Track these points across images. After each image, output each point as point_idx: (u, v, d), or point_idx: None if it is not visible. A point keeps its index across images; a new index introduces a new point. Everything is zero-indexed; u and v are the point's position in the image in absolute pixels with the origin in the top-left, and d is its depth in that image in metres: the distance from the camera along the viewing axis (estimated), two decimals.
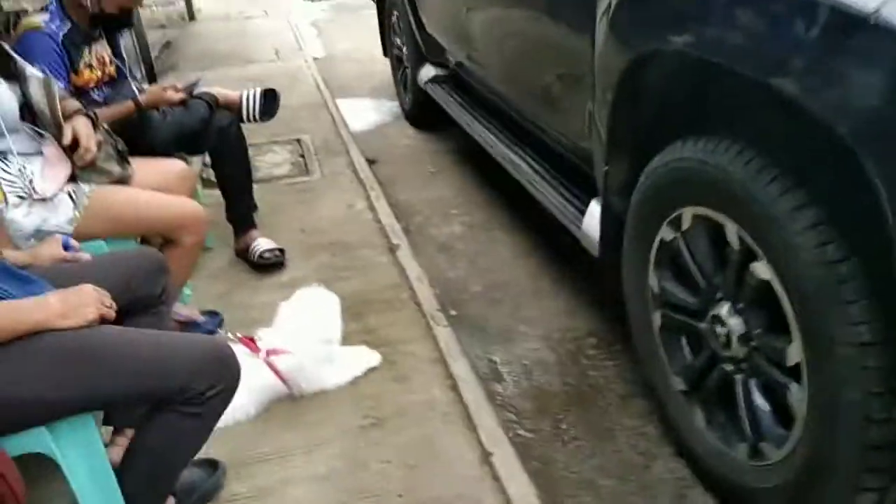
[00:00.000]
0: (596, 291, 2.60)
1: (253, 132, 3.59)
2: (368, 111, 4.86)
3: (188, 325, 2.32)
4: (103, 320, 1.37)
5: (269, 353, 1.99)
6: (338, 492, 1.73)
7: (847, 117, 1.16)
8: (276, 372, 1.99)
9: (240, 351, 1.96)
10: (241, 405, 1.96)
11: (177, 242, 2.04)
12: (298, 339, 2.03)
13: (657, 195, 1.72)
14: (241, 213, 2.83)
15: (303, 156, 3.95)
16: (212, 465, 1.76)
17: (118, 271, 1.58)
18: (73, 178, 1.94)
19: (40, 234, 1.86)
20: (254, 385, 1.97)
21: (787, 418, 1.48)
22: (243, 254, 2.82)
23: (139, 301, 1.60)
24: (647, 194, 1.76)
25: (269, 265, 2.75)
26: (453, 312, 2.58)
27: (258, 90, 2.80)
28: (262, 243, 2.78)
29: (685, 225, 1.65)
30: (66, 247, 1.59)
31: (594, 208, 2.11)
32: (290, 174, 3.70)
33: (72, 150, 1.92)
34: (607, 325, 2.43)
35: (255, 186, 3.39)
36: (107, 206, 1.92)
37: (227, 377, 1.40)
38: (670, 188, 1.66)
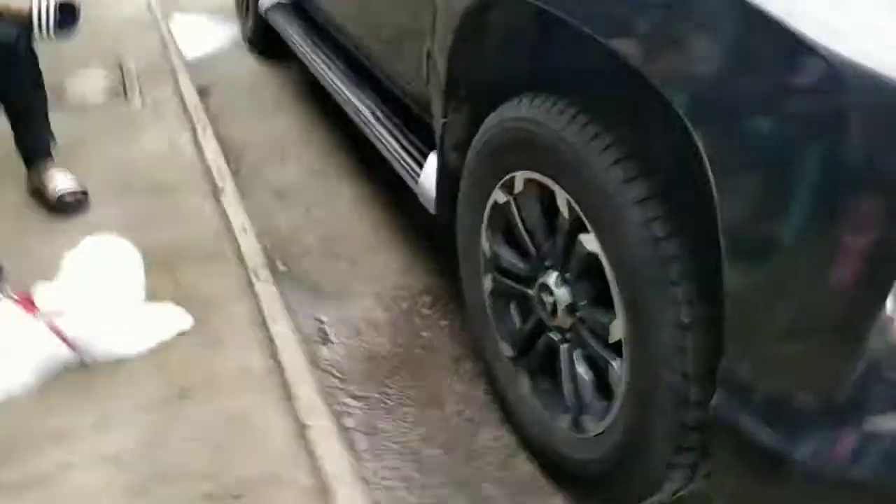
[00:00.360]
0: (433, 247, 2.50)
1: (64, 51, 3.14)
2: (204, 34, 4.41)
3: None
4: None
5: (51, 314, 1.71)
6: (131, 476, 1.54)
7: (682, 89, 1.08)
8: (62, 337, 1.73)
9: (14, 313, 1.68)
10: (17, 377, 1.70)
11: None
12: (89, 297, 1.76)
13: (491, 155, 1.61)
14: (33, 145, 2.44)
15: (123, 82, 3.51)
16: None
17: None
18: None
19: None
20: (33, 352, 1.70)
21: (609, 393, 1.45)
22: (38, 194, 2.45)
23: None
24: (481, 153, 1.64)
25: (67, 208, 2.40)
26: (283, 268, 2.39)
27: (54, 1, 2.38)
28: (61, 183, 2.42)
29: (517, 188, 1.55)
30: None
31: (432, 162, 1.98)
32: (106, 102, 3.27)
33: None
34: (443, 283, 2.33)
35: (60, 115, 2.99)
36: None
37: None
38: (504, 149, 1.55)
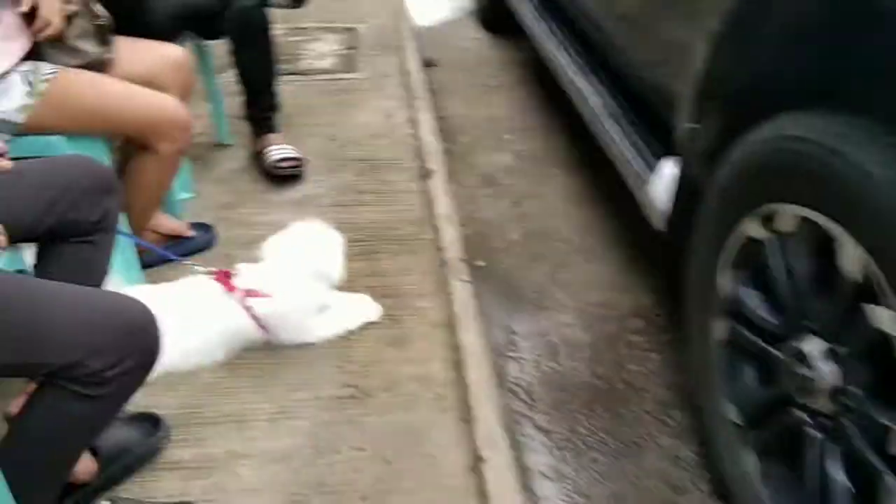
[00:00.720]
0: (653, 264, 2.18)
1: (302, 16, 3.20)
2: (438, 3, 4.34)
3: (174, 240, 2.03)
4: None
5: (246, 293, 1.67)
6: (293, 479, 1.45)
7: None
8: (253, 316, 1.68)
9: (212, 287, 1.66)
10: (207, 347, 1.68)
11: (151, 149, 1.71)
12: (285, 281, 1.70)
13: (752, 177, 1.27)
14: (259, 113, 2.47)
15: (353, 48, 3.52)
16: (152, 421, 1.49)
17: (43, 186, 1.26)
18: (33, 56, 1.60)
19: None
20: (226, 326, 1.68)
21: None
22: (258, 158, 2.48)
23: (69, 226, 1.29)
24: (738, 172, 1.31)
25: (283, 177, 2.41)
26: (481, 263, 2.21)
27: None
28: (279, 150, 2.43)
29: (783, 226, 1.21)
30: None
31: (666, 169, 1.67)
32: (333, 69, 3.29)
33: (32, 19, 1.57)
34: (659, 307, 2.02)
35: (290, 80, 3.05)
36: (68, 94, 1.59)
37: (137, 352, 1.08)
38: (771, 173, 1.21)
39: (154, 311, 1.61)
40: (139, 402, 1.57)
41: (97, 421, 1.12)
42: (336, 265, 1.77)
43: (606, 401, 1.75)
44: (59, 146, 1.60)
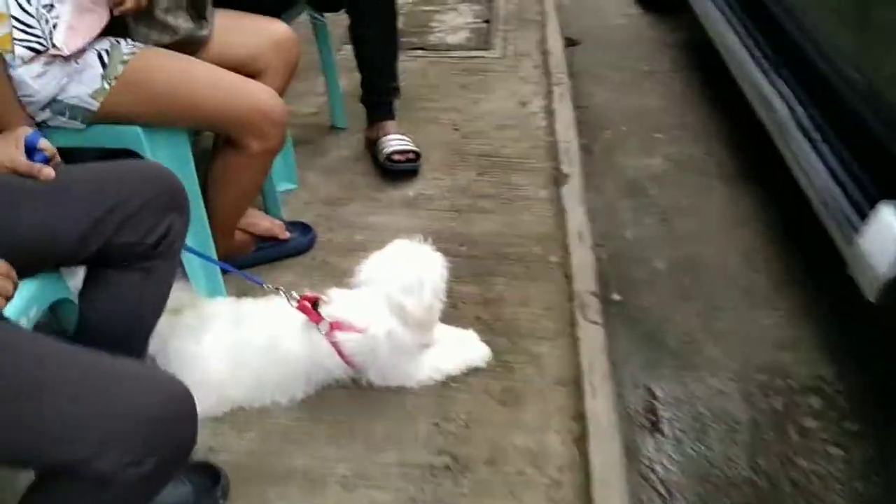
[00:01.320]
0: (844, 314, 1.73)
1: None
2: None
3: (268, 242, 1.80)
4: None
5: (333, 326, 1.40)
6: None
7: None
8: (340, 353, 1.42)
9: (297, 318, 1.41)
10: (287, 382, 1.44)
11: (239, 147, 1.46)
12: (379, 314, 1.42)
13: None
14: (376, 97, 2.19)
15: (488, 21, 3.17)
16: (210, 474, 1.27)
17: (92, 200, 1.03)
18: (114, 32, 1.38)
19: (59, 107, 1.35)
20: (310, 360, 1.43)
21: None
22: (371, 146, 2.22)
23: (119, 249, 1.06)
24: None
25: (397, 171, 2.13)
26: (617, 297, 1.84)
27: None
28: (394, 141, 2.14)
29: None
30: (32, 148, 1.05)
31: (888, 217, 1.24)
32: (466, 45, 2.96)
33: None
34: (847, 380, 1.59)
35: (418, 54, 2.76)
36: (148, 78, 1.36)
37: (162, 450, 0.83)
38: None
39: (231, 335, 1.39)
40: (203, 441, 1.37)
41: None
42: (437, 297, 1.46)
43: None
44: (135, 137, 1.38)
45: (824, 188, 1.45)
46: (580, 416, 1.42)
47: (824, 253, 1.52)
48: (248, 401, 1.45)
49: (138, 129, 1.38)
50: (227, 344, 1.42)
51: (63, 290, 1.09)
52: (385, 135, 2.16)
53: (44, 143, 1.07)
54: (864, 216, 1.32)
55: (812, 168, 1.52)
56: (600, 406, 1.44)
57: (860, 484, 1.39)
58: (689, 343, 1.71)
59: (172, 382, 0.88)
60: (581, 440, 1.37)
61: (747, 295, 1.84)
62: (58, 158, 1.09)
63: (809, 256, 1.91)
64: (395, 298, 1.38)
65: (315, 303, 1.42)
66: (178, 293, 1.43)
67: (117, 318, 1.09)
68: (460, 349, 1.54)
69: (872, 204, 1.30)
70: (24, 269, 0.94)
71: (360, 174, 2.17)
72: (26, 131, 1.07)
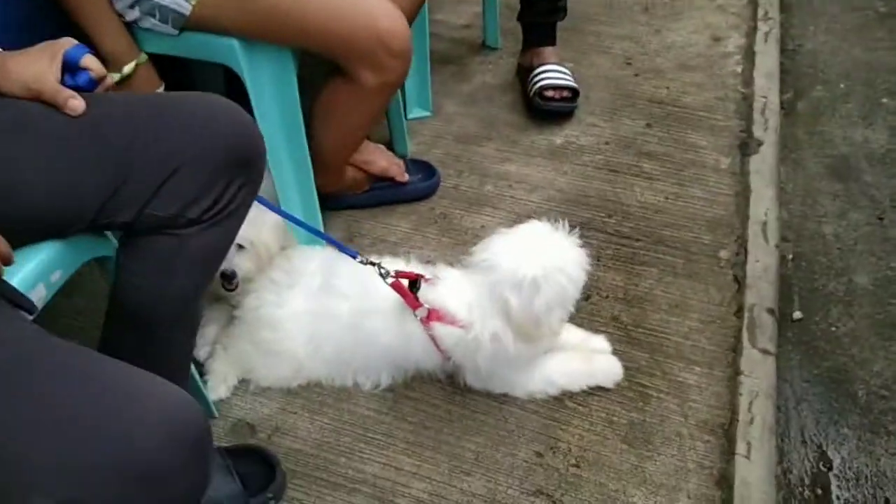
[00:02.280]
0: None
1: None
2: None
3: (384, 182, 1.55)
4: None
5: (431, 314, 1.14)
6: None
7: None
8: (437, 344, 1.16)
9: (393, 299, 1.16)
10: (371, 365, 1.22)
11: (350, 77, 1.18)
12: (489, 307, 1.13)
13: None
14: (536, 16, 1.82)
15: None
16: (265, 467, 1.08)
17: (121, 151, 0.80)
18: None
19: (148, 6, 1.12)
20: (398, 347, 1.19)
21: None
22: (523, 75, 1.87)
23: (158, 220, 0.83)
24: None
25: (547, 111, 1.78)
26: (798, 315, 1.45)
27: None
28: (550, 73, 1.79)
29: None
30: (74, 66, 0.82)
31: None
32: None
33: None
34: None
35: None
36: None
37: (175, 486, 0.62)
38: None
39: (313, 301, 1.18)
40: (270, 414, 1.19)
41: None
42: (570, 292, 1.15)
43: None
44: (231, 51, 1.15)
45: None
46: (725, 482, 1.10)
47: None
48: (327, 377, 1.24)
49: (235, 42, 1.13)
50: (310, 311, 1.21)
51: (101, 247, 0.88)
52: (541, 64, 1.81)
53: (89, 59, 0.84)
54: None
55: None
56: (754, 471, 1.12)
57: None
58: (887, 398, 1.31)
59: (180, 410, 0.64)
60: None
61: None
62: (109, 82, 0.86)
63: None
64: (502, 295, 1.09)
65: (415, 282, 1.16)
66: (270, 231, 1.23)
67: (148, 292, 0.88)
68: (585, 360, 1.24)
69: None
70: (29, 235, 0.74)
71: (504, 108, 1.84)
72: (69, 43, 0.84)
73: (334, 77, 1.22)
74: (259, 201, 0.97)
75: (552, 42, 1.84)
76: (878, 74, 2.04)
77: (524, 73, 1.86)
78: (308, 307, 1.21)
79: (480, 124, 1.80)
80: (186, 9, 1.11)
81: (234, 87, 1.21)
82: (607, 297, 1.38)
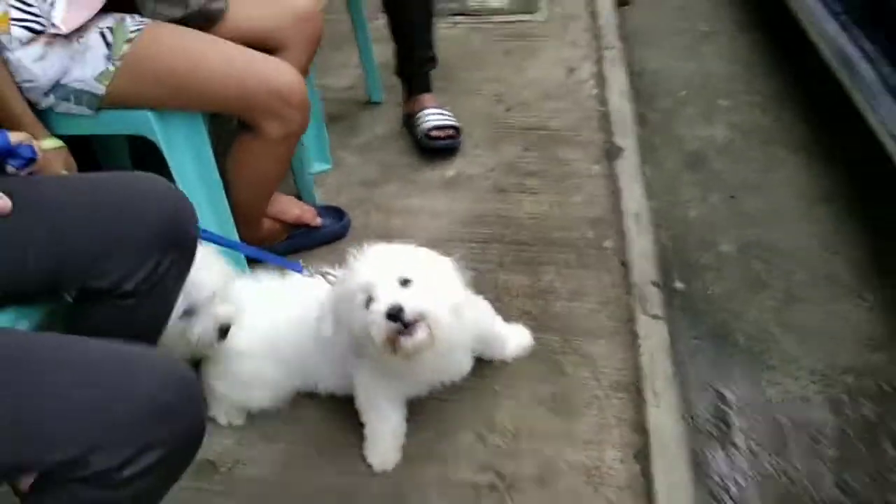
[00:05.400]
0: None
1: None
2: None
3: (299, 229, 1.67)
4: None
5: None
6: None
7: None
8: None
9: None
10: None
11: (257, 131, 1.33)
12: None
13: None
14: (412, 68, 2.03)
15: None
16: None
17: (58, 232, 0.89)
18: (120, 7, 1.25)
19: (63, 92, 1.23)
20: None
21: None
22: (409, 122, 2.06)
23: (95, 293, 0.93)
24: None
25: (436, 149, 1.97)
26: (679, 285, 1.67)
27: None
28: (433, 115, 1.99)
29: None
30: (5, 151, 0.92)
31: None
32: (508, 8, 2.76)
33: None
34: None
35: (458, 20, 2.59)
36: (154, 57, 1.23)
37: (166, 441, 0.74)
38: None
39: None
40: (229, 448, 1.27)
41: None
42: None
43: None
44: (146, 122, 1.26)
45: None
46: (641, 428, 1.27)
47: None
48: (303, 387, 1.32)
49: (149, 114, 1.25)
50: (263, 333, 1.28)
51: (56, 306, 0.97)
52: (423, 108, 2.01)
53: (13, 135, 0.92)
54: None
55: None
56: (664, 416, 1.29)
57: None
58: (763, 339, 1.53)
59: (173, 364, 0.78)
60: (642, 456, 1.23)
61: (829, 283, 1.64)
62: (41, 161, 0.96)
63: None
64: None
65: None
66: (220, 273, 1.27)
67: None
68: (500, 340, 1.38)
69: None
70: None
71: (397, 153, 2.02)
72: None
73: (243, 133, 1.36)
74: (204, 236, 1.07)
75: (429, 89, 2.05)
76: (711, 81, 2.37)
77: (409, 119, 2.06)
78: (259, 333, 1.28)
79: (379, 169, 1.96)
80: (100, 90, 1.22)
81: (141, 155, 1.32)
82: (516, 295, 1.54)
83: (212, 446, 1.29)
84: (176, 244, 0.96)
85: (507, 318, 1.47)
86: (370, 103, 2.24)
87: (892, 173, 1.56)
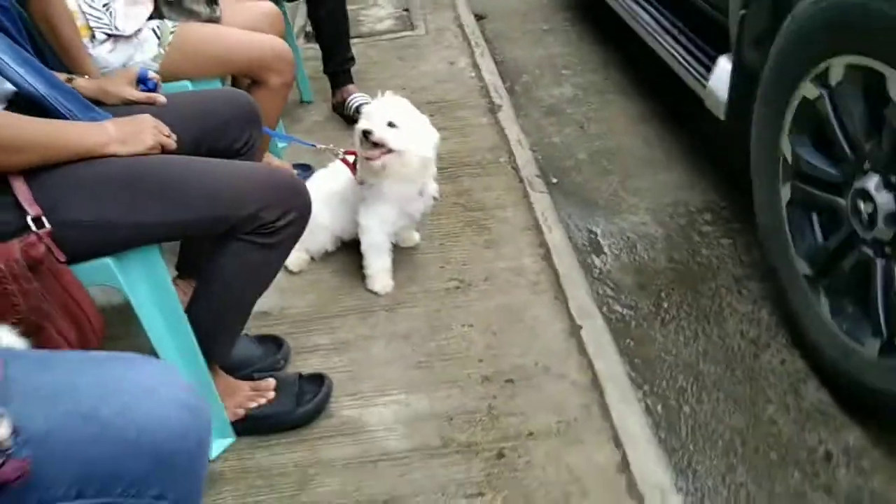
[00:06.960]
0: (716, 162, 2.34)
1: None
2: None
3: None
4: (165, 151, 1.30)
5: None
6: (416, 351, 1.68)
7: None
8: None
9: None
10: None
11: (264, 83, 1.95)
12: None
13: (803, 43, 1.43)
14: (337, 66, 2.70)
15: (407, 10, 3.73)
16: (275, 342, 1.69)
17: (195, 115, 1.49)
18: (157, 16, 1.85)
19: None
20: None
21: None
22: (339, 108, 2.72)
23: (215, 151, 1.52)
24: (790, 42, 1.47)
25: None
26: (554, 180, 2.40)
27: None
28: (359, 97, 2.66)
29: (834, 79, 1.37)
30: (144, 79, 1.50)
31: (723, 64, 1.84)
32: (394, 29, 3.51)
33: None
34: (726, 200, 2.18)
35: (355, 42, 3.27)
36: (192, 42, 1.84)
37: (298, 205, 1.32)
38: (821, 33, 1.37)
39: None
40: (274, 302, 1.84)
41: (271, 267, 1.36)
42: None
43: (685, 281, 1.93)
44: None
45: (684, 59, 2.04)
46: (544, 244, 1.96)
47: (697, 129, 2.09)
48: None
49: (188, 84, 1.85)
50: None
51: None
52: (350, 95, 2.67)
53: (152, 74, 1.52)
54: (709, 69, 1.91)
55: (675, 51, 2.11)
56: (557, 236, 1.99)
57: (744, 256, 1.97)
58: (614, 199, 2.28)
59: (285, 166, 1.38)
60: (547, 258, 1.91)
61: (651, 165, 2.42)
62: (162, 86, 1.55)
63: (690, 132, 2.52)
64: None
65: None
66: None
67: None
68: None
69: (714, 60, 1.90)
70: None
71: (336, 129, 2.67)
72: (136, 69, 1.52)
73: (251, 88, 1.97)
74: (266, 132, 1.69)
75: (352, 81, 2.73)
76: (555, 60, 3.19)
77: (339, 106, 2.72)
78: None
79: (326, 140, 2.58)
80: (156, 66, 1.81)
81: None
82: (448, 195, 2.21)
83: (266, 302, 1.85)
84: (255, 121, 1.57)
85: (444, 209, 2.14)
86: (303, 102, 2.88)
87: (686, 94, 2.36)
